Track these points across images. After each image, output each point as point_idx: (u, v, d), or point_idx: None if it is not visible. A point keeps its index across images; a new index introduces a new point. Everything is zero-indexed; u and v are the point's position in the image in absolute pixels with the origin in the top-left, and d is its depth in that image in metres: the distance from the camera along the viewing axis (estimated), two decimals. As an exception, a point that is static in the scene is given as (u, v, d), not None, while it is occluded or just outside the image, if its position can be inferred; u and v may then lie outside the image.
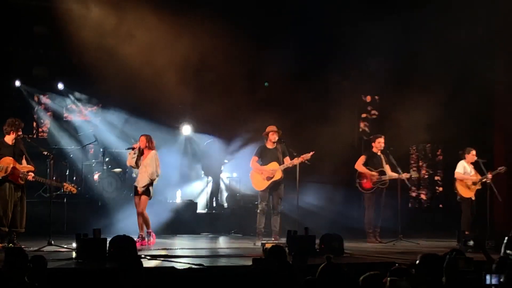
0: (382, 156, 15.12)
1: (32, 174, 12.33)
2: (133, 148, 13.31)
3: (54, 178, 14.10)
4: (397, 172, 14.92)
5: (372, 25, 17.24)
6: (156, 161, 13.14)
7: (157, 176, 13.17)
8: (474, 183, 14.97)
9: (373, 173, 14.91)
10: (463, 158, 15.19)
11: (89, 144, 17.65)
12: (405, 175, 15.01)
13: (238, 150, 18.27)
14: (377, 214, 15.02)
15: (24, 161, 12.42)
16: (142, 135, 13.39)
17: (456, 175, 15.10)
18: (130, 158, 13.31)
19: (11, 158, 12.17)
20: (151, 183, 13.08)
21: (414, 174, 16.31)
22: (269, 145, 14.17)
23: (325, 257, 6.95)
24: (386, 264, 9.63)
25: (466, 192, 15.00)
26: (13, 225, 12.14)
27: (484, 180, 14.88)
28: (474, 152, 15.14)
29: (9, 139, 12.29)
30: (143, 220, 13.12)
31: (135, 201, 13.21)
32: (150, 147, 13.23)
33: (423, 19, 17.51)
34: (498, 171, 15.06)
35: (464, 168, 15.06)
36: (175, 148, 18.47)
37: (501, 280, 6.75)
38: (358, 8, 17.50)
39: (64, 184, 13.11)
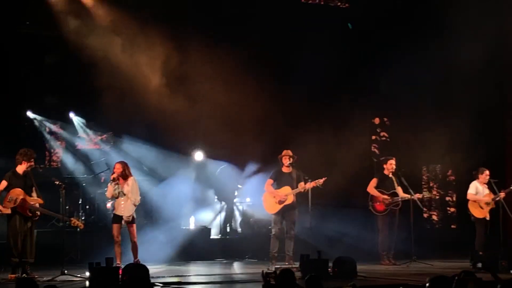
0: (393, 178, 15.09)
1: (41, 210, 12.40)
2: (113, 179, 12.98)
3: (67, 207, 14.09)
4: (409, 193, 14.88)
5: (381, 48, 17.34)
6: (136, 187, 13.01)
7: (138, 202, 13.05)
8: (487, 203, 14.88)
9: (385, 196, 14.89)
10: (476, 178, 15.10)
11: (101, 172, 17.65)
12: (417, 196, 14.97)
13: (251, 176, 18.25)
14: (391, 236, 15.00)
15: (34, 194, 12.46)
16: (117, 163, 13.21)
17: (468, 196, 15.00)
18: (111, 190, 12.96)
19: (21, 189, 12.19)
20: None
21: (426, 194, 16.23)
22: (285, 169, 14.17)
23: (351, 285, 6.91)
24: (397, 286, 9.62)
25: (479, 213, 14.89)
26: (23, 256, 12.12)
27: (497, 199, 14.81)
28: (487, 172, 15.04)
29: (20, 169, 12.33)
30: (134, 248, 12.99)
31: (114, 229, 12.92)
32: (127, 173, 13.06)
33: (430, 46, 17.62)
34: (511, 189, 14.97)
35: (476, 189, 14.97)
36: (187, 174, 18.47)
37: None
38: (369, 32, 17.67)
39: (72, 219, 13.06)
